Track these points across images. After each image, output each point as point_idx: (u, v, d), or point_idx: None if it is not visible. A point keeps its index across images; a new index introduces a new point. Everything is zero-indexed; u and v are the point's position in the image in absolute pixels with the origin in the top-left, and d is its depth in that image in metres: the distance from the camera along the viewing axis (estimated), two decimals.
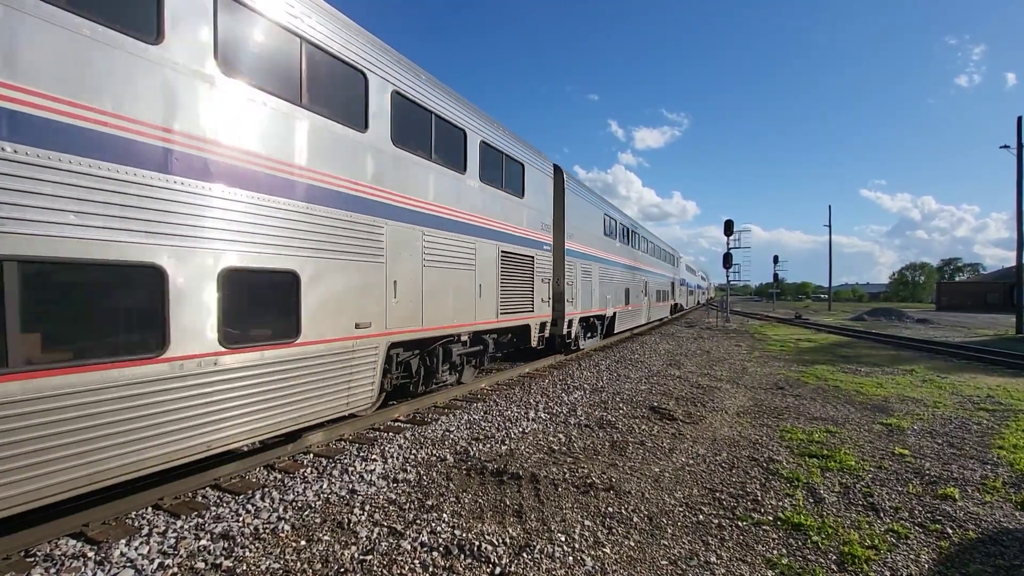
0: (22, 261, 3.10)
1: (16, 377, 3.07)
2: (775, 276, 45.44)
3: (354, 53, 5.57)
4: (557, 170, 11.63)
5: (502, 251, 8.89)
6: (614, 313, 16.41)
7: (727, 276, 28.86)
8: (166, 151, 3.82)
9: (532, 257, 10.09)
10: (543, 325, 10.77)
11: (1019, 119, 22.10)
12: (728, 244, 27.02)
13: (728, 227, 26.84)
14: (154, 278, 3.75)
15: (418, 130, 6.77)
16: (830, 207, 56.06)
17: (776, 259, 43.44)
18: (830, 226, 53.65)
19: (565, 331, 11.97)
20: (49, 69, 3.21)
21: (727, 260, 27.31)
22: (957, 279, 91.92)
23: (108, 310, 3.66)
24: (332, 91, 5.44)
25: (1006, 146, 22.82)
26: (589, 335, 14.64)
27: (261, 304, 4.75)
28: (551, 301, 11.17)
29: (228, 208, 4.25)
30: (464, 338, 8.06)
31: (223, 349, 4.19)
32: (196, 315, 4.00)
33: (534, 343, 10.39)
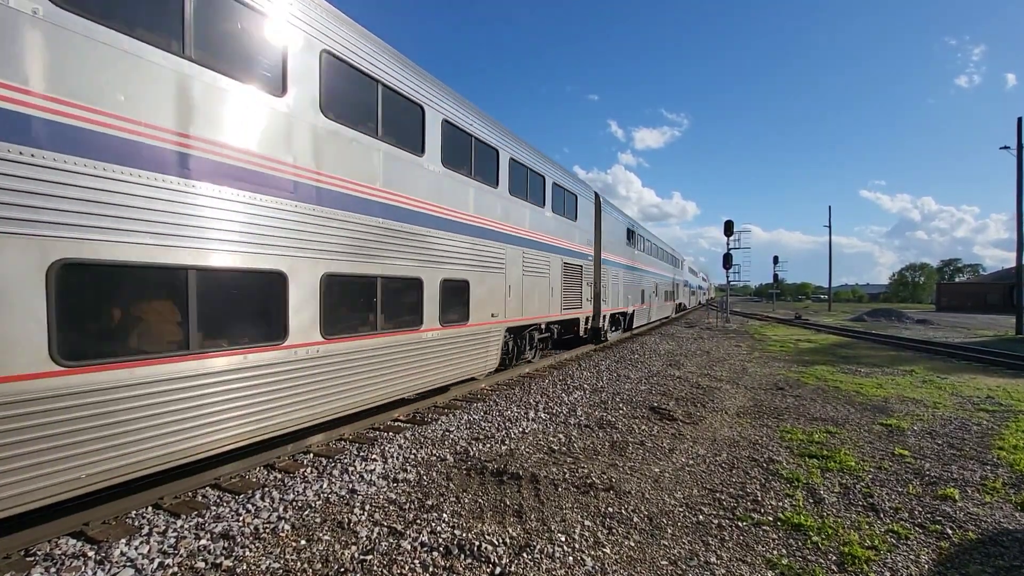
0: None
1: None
2: (775, 276, 45.44)
3: (493, 138, 8.49)
4: (596, 196, 14.53)
5: (564, 262, 11.65)
6: (633, 310, 19.14)
7: (727, 276, 28.87)
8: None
9: (581, 266, 12.90)
10: (588, 319, 13.80)
11: (1019, 120, 22.10)
12: (728, 244, 27.03)
13: (728, 227, 26.83)
14: (418, 286, 6.62)
15: (521, 181, 9.60)
16: (830, 208, 56.13)
17: (776, 259, 43.48)
18: (830, 227, 53.69)
19: (600, 324, 14.85)
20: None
21: (727, 260, 27.30)
22: (957, 280, 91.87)
23: (407, 303, 6.48)
24: (484, 165, 8.30)
25: (1006, 147, 22.83)
26: (614, 329, 17.14)
27: (453, 301, 7.38)
28: (592, 300, 14.05)
29: (446, 242, 7.11)
30: (542, 326, 11.09)
31: (439, 326, 7.02)
32: (432, 307, 6.83)
33: (581, 332, 13.55)
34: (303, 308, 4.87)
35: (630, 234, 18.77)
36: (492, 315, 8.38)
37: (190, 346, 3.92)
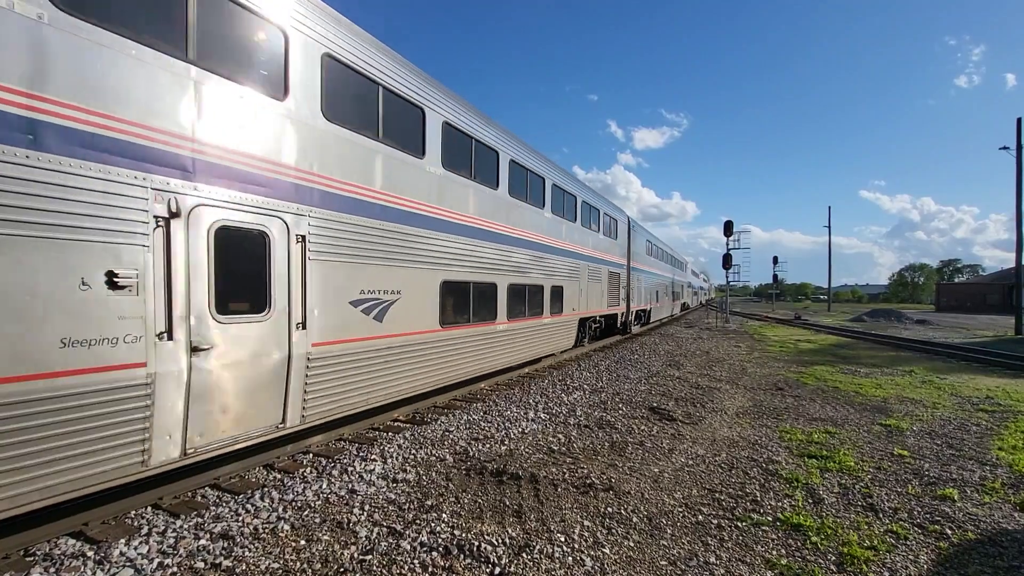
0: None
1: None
2: (774, 277, 45.49)
3: (573, 189, 12.32)
4: (628, 218, 18.43)
5: (609, 271, 15.55)
6: (651, 308, 23.30)
7: (727, 277, 28.88)
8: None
9: (619, 274, 16.86)
10: (622, 314, 17.83)
11: (1019, 120, 22.12)
12: (728, 245, 27.04)
13: (728, 228, 26.85)
14: (541, 290, 10.30)
15: (587, 216, 13.52)
16: (829, 208, 56.13)
17: (776, 260, 43.51)
18: (829, 227, 53.71)
19: (630, 318, 18.80)
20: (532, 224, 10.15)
21: (727, 261, 27.32)
22: (956, 280, 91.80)
23: (536, 300, 10.10)
24: (569, 208, 12.08)
25: (1006, 147, 22.84)
26: (636, 323, 20.72)
27: (555, 299, 11.05)
28: (625, 300, 17.86)
29: (553, 261, 10.88)
30: (596, 318, 14.85)
31: (551, 315, 10.79)
32: (547, 303, 10.53)
33: (619, 324, 17.65)
34: (501, 302, 8.60)
35: (648, 245, 22.90)
36: (573, 309, 12.22)
37: (471, 320, 7.73)
